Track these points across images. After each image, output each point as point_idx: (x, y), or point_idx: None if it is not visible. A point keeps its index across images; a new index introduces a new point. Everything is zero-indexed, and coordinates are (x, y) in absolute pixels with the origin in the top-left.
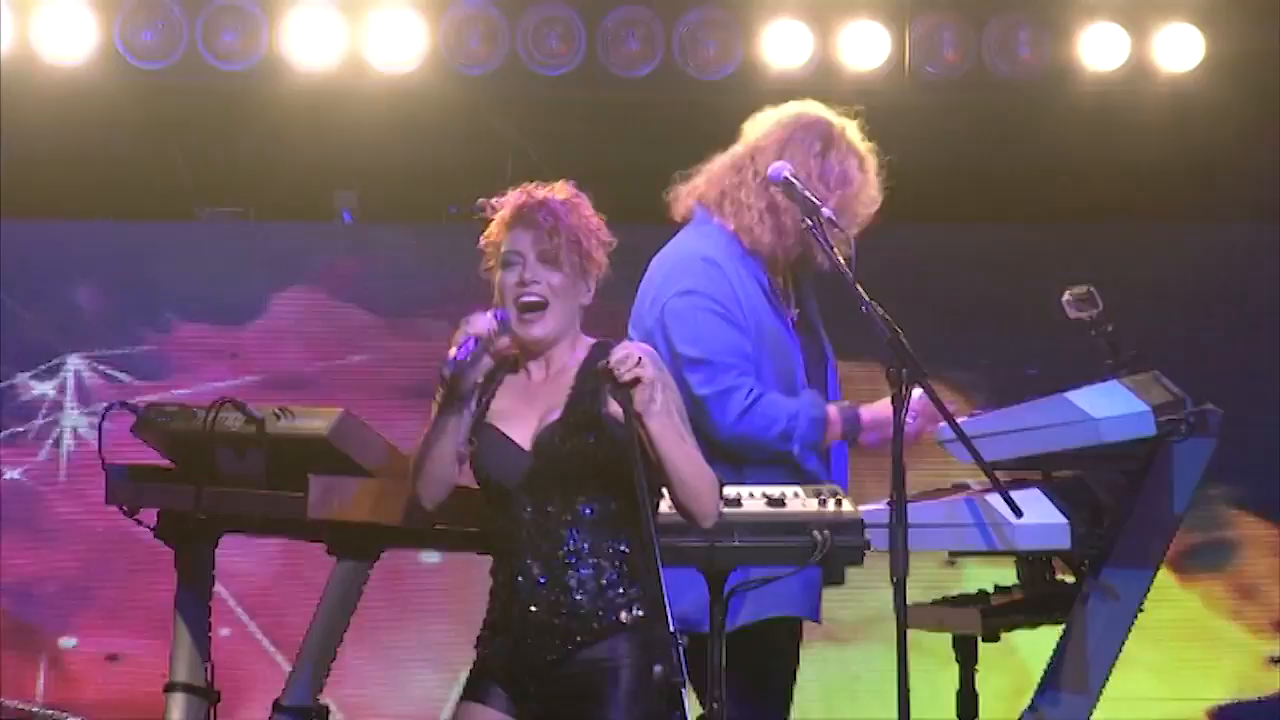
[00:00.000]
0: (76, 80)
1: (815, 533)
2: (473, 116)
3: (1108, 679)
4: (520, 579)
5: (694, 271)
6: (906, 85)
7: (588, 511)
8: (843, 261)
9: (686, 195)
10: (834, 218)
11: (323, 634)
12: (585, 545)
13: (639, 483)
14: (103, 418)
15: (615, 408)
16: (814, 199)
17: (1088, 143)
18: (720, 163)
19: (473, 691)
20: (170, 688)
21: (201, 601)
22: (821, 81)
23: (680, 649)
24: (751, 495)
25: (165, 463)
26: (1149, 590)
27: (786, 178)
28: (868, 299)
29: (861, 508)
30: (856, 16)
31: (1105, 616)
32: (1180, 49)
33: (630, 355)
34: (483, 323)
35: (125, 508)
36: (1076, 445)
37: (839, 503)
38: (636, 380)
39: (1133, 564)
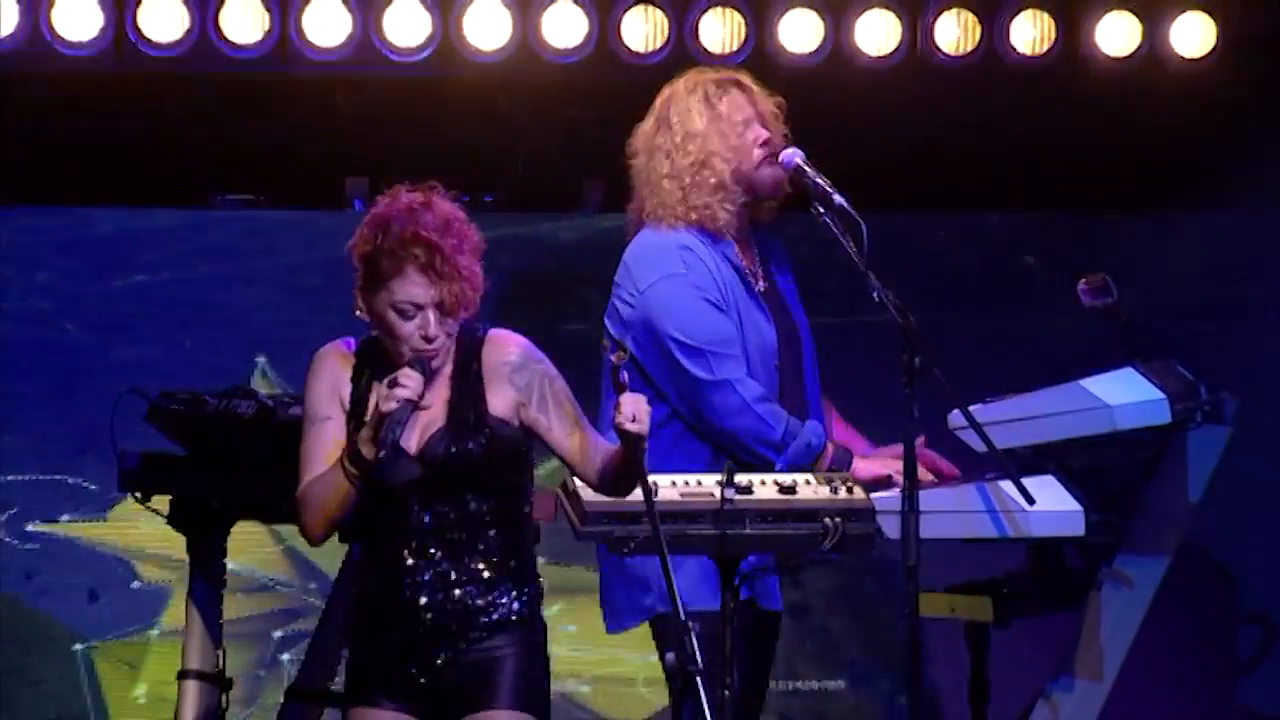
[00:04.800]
0: (89, 67)
1: (826, 520)
2: (486, 103)
3: (1122, 666)
4: (408, 578)
5: (673, 259)
6: (918, 73)
7: (475, 512)
8: (855, 248)
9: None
10: (846, 205)
11: (335, 621)
12: (474, 544)
13: (650, 506)
14: (114, 405)
15: (499, 408)
16: (827, 187)
17: (1100, 131)
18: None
19: (360, 695)
20: (183, 675)
21: (214, 589)
22: (834, 69)
23: (694, 636)
24: (763, 482)
25: (178, 450)
26: (1163, 578)
27: (798, 164)
28: (880, 285)
29: (873, 495)
30: (869, 4)
31: (1119, 604)
32: (1193, 36)
33: (641, 410)
34: (414, 383)
35: (138, 495)
36: (1091, 432)
37: (850, 490)
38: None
39: (1147, 552)
